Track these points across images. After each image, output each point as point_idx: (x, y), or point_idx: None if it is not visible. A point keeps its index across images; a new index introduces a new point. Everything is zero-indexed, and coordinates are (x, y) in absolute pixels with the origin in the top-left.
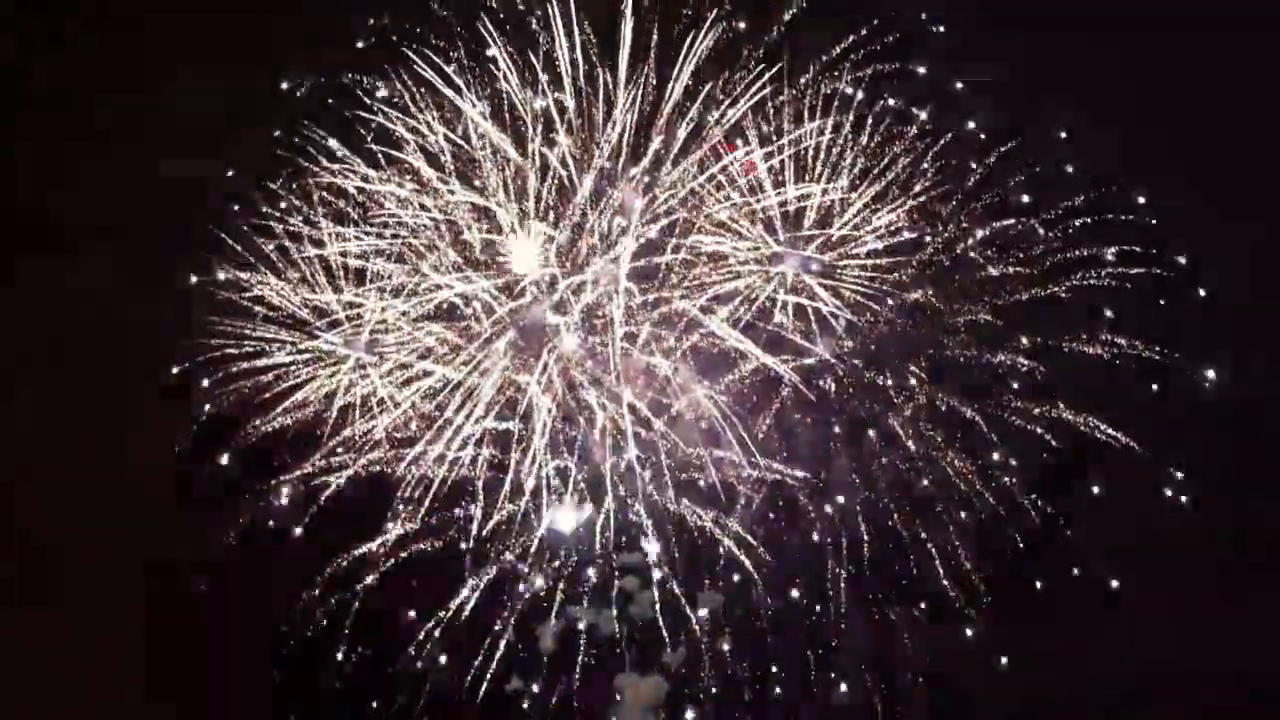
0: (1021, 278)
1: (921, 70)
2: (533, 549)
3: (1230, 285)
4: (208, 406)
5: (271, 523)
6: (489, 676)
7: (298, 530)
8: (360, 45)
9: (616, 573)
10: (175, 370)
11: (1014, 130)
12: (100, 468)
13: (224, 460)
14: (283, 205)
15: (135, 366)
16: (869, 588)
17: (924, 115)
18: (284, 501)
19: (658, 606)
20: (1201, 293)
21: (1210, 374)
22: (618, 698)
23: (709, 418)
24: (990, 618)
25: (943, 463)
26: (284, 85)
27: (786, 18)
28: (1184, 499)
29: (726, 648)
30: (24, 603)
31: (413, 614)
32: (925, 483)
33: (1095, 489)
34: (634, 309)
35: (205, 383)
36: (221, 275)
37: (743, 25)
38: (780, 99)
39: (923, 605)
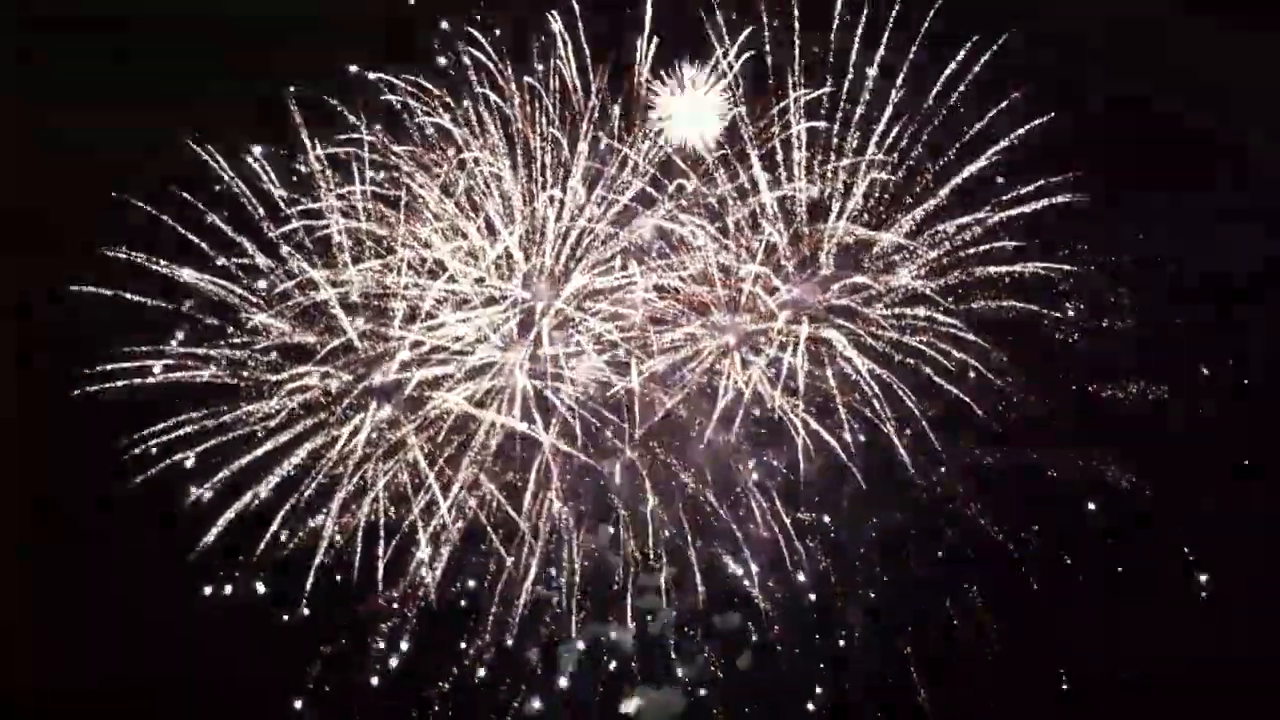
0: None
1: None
2: (552, 586)
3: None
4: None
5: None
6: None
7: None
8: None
9: (634, 593)
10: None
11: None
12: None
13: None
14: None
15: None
16: (882, 624)
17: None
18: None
19: (673, 624)
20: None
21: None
22: (636, 709)
23: (726, 458)
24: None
25: (960, 508)
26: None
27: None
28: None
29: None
30: None
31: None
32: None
33: (1109, 536)
34: (649, 350)
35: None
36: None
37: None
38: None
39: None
